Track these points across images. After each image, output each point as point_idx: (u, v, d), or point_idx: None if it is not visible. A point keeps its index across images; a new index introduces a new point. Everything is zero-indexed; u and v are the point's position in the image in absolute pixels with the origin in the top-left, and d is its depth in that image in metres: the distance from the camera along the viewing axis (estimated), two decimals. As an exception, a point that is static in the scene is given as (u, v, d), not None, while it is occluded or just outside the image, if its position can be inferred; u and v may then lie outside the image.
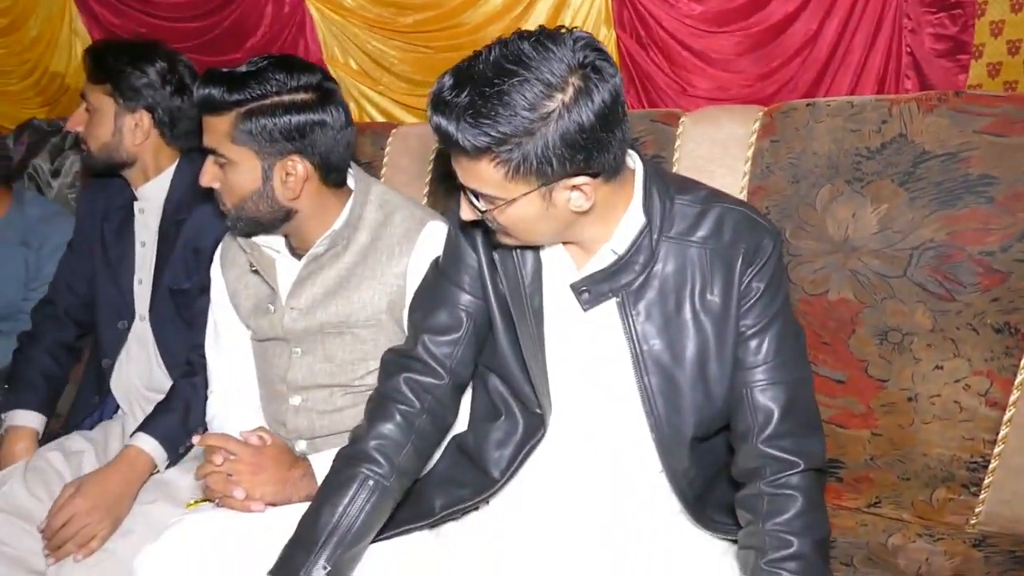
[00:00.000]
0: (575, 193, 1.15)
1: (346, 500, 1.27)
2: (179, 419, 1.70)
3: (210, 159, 1.46)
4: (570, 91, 1.07)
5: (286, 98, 1.41)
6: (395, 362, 1.39)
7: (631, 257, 1.23)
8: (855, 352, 1.38)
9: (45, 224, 2.18)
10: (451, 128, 1.09)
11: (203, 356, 1.75)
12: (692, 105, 2.03)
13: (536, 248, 1.31)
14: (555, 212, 1.17)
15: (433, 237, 1.53)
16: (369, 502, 1.27)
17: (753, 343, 1.22)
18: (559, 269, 1.31)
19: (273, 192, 1.45)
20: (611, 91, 1.09)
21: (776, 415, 1.21)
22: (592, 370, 1.29)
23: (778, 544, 1.17)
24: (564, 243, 1.29)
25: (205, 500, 1.50)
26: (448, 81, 1.11)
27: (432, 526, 1.40)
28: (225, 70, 1.42)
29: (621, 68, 2.19)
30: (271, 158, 1.43)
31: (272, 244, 1.58)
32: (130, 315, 1.88)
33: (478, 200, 1.18)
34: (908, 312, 1.33)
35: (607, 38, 2.19)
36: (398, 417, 1.34)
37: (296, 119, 1.41)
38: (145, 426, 1.67)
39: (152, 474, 1.67)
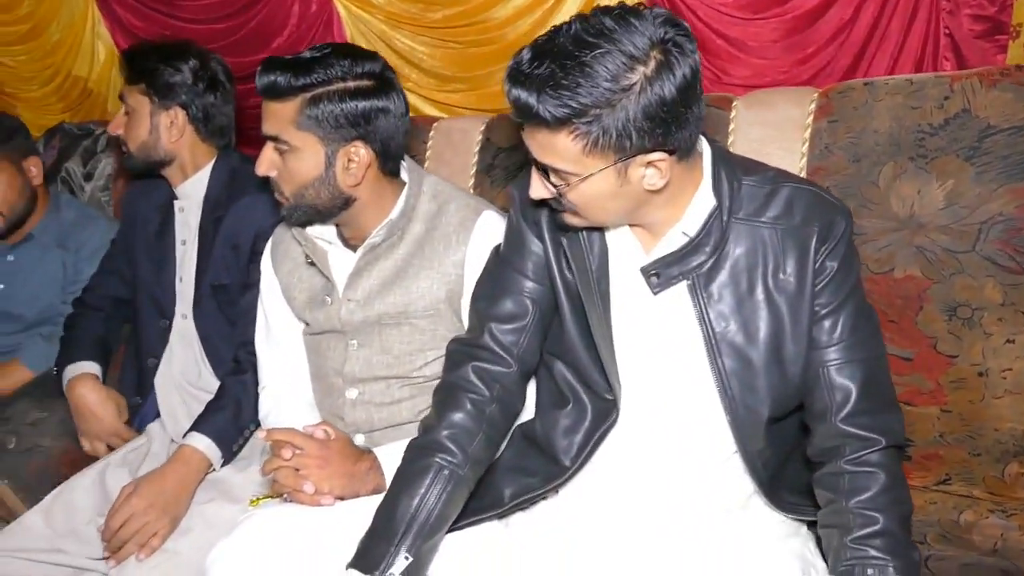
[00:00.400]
0: (650, 170, 1.15)
1: (423, 490, 1.26)
2: (231, 417, 1.69)
3: (269, 147, 1.45)
4: (652, 64, 1.07)
5: (351, 84, 1.41)
6: (462, 351, 1.38)
7: (702, 239, 1.22)
8: (923, 329, 1.37)
9: (81, 228, 2.17)
10: (531, 99, 1.08)
11: (251, 353, 1.74)
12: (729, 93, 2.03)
13: (602, 232, 1.30)
14: (628, 190, 1.16)
15: (489, 226, 1.52)
16: (445, 491, 1.26)
17: (828, 322, 1.22)
18: (626, 253, 1.30)
19: (335, 179, 1.45)
20: (691, 66, 1.09)
21: (855, 393, 1.20)
22: (663, 354, 1.28)
23: (863, 521, 1.16)
24: (631, 226, 1.29)
25: (268, 497, 1.50)
26: (527, 55, 1.11)
27: (501, 516, 1.39)
28: (288, 56, 1.43)
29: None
30: (335, 144, 1.43)
31: (325, 235, 1.57)
32: (171, 313, 1.87)
33: (552, 177, 1.17)
34: (977, 287, 1.32)
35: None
36: (469, 406, 1.33)
37: (361, 105, 1.41)
38: (198, 425, 1.67)
39: (207, 473, 1.66)
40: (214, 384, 1.82)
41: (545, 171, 1.17)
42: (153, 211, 1.94)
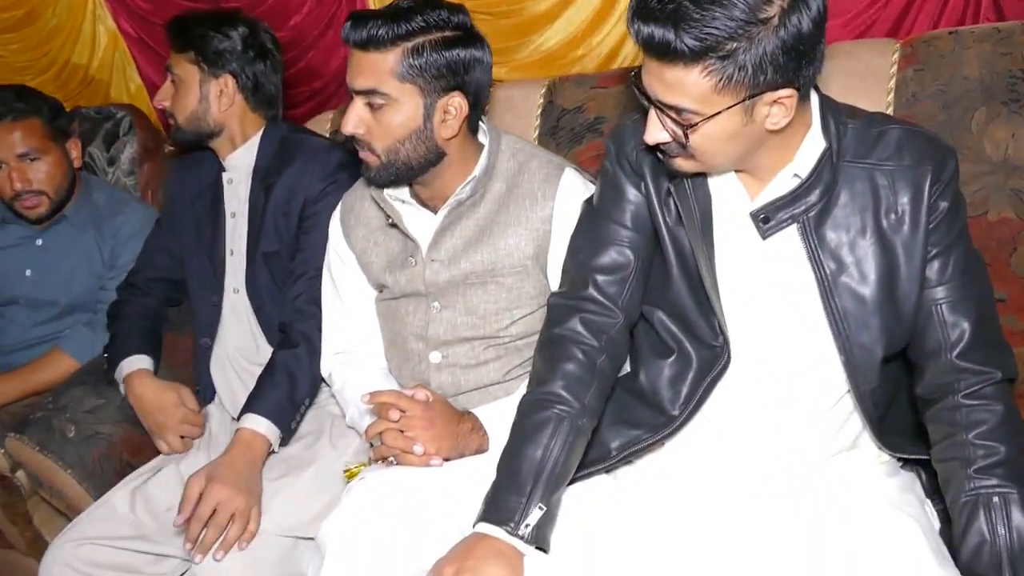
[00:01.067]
0: (775, 108, 1.14)
1: (546, 440, 1.25)
2: (286, 394, 1.64)
3: (358, 103, 1.42)
4: None
5: (449, 33, 1.40)
6: (566, 305, 1.37)
7: (812, 182, 1.23)
8: (1016, 270, 1.40)
9: (115, 211, 2.11)
10: (667, 33, 1.06)
11: (302, 316, 1.71)
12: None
13: (705, 177, 1.30)
14: (751, 130, 1.16)
15: (573, 182, 1.52)
16: (567, 442, 1.26)
17: (939, 261, 1.23)
18: (731, 198, 1.30)
19: (432, 132, 1.43)
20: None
21: (968, 330, 1.22)
22: (773, 298, 1.28)
23: (985, 452, 1.18)
24: (736, 171, 1.29)
25: (363, 465, 1.48)
26: None
27: (608, 470, 1.39)
28: (379, 8, 1.40)
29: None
30: (434, 95, 1.41)
31: (400, 196, 1.55)
32: (220, 290, 1.83)
33: (673, 118, 1.16)
34: (1073, 226, 1.36)
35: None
36: (580, 356, 1.32)
37: (461, 54, 1.40)
38: (253, 406, 1.61)
39: (269, 454, 1.62)
40: (267, 351, 1.77)
41: (672, 110, 1.16)
42: (200, 187, 1.89)
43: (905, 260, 1.23)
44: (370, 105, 1.42)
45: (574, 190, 1.51)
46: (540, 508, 1.20)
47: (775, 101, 1.14)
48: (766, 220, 1.26)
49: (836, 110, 1.27)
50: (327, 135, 2.08)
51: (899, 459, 1.36)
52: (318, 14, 2.52)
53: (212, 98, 1.77)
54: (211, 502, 1.44)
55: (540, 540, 1.20)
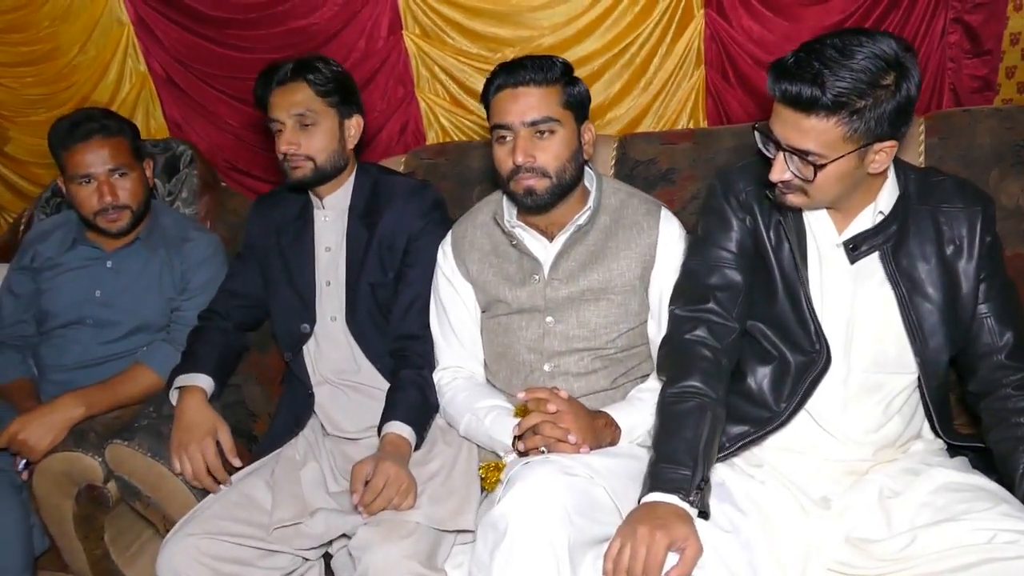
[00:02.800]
0: (879, 155, 1.45)
1: (697, 424, 1.47)
2: (418, 404, 1.81)
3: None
4: (900, 69, 1.38)
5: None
6: (691, 316, 1.61)
7: (891, 218, 1.54)
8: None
9: (183, 237, 2.18)
10: (815, 91, 1.36)
11: (415, 342, 1.88)
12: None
13: (800, 213, 1.58)
14: (858, 172, 1.46)
15: (669, 215, 1.81)
16: (713, 428, 1.49)
17: (987, 283, 1.56)
18: (822, 230, 1.58)
19: (580, 155, 1.77)
20: (919, 74, 1.42)
21: (1012, 336, 1.55)
22: (861, 311, 1.56)
23: None
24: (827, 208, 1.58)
25: (493, 463, 1.62)
26: (793, 57, 1.40)
27: (722, 459, 1.60)
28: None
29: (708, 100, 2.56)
30: (579, 123, 1.76)
31: (519, 224, 1.79)
32: (312, 318, 1.95)
33: (803, 159, 1.43)
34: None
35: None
36: (710, 356, 1.56)
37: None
38: (393, 415, 1.77)
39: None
40: (373, 374, 1.92)
41: (800, 154, 1.43)
42: (285, 222, 2.03)
43: (964, 281, 1.55)
44: (540, 132, 1.67)
45: (671, 222, 1.79)
46: (704, 479, 1.40)
47: (881, 150, 1.44)
48: (855, 248, 1.55)
49: (902, 163, 1.59)
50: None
51: (948, 445, 1.63)
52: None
53: (348, 137, 1.94)
54: (383, 476, 1.59)
55: (704, 506, 1.40)
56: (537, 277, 1.75)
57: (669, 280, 1.74)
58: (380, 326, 1.94)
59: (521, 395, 1.58)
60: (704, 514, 1.40)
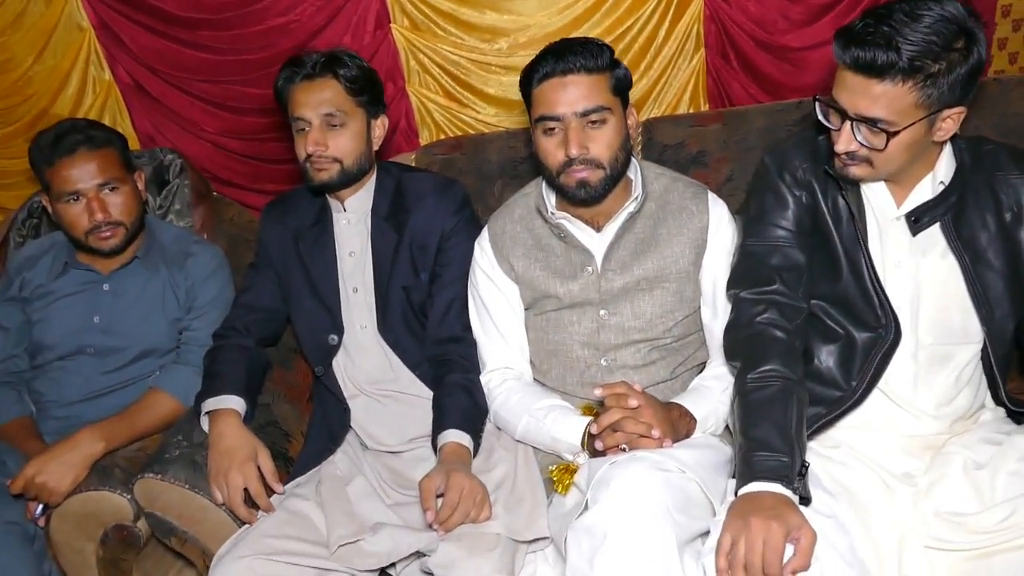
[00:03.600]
0: (947, 123, 1.42)
1: (786, 409, 1.42)
2: (469, 408, 1.73)
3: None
4: (971, 33, 1.36)
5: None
6: (760, 299, 1.56)
7: (951, 188, 1.52)
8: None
9: (184, 252, 2.03)
10: (889, 53, 1.32)
11: (456, 345, 1.79)
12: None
13: (858, 187, 1.56)
14: (925, 140, 1.44)
15: (716, 198, 1.76)
16: (799, 410, 1.44)
17: None
18: (879, 202, 1.56)
19: (630, 145, 1.71)
20: (985, 39, 1.40)
21: None
22: (926, 283, 1.54)
23: None
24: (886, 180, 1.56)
25: (563, 466, 1.55)
26: (861, 23, 1.36)
27: None
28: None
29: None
30: (625, 110, 1.69)
31: (565, 217, 1.71)
32: (339, 328, 1.84)
33: (872, 127, 1.40)
34: None
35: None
36: (785, 338, 1.52)
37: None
38: (446, 423, 1.68)
39: None
40: (413, 382, 1.83)
41: (870, 122, 1.40)
42: (301, 228, 1.91)
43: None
44: (592, 122, 1.60)
45: (718, 205, 1.74)
46: (805, 464, 1.36)
47: (948, 117, 1.41)
48: (917, 220, 1.52)
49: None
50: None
51: (1009, 412, 1.63)
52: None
53: (374, 138, 1.84)
54: (456, 489, 1.49)
55: (807, 492, 1.35)
56: (590, 269, 1.68)
57: (722, 264, 1.69)
58: (415, 331, 1.85)
59: (598, 391, 1.51)
60: (806, 500, 1.36)
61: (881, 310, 1.53)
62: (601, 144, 1.61)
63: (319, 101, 1.75)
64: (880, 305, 1.53)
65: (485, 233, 1.80)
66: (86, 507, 1.66)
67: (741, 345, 1.55)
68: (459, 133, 2.60)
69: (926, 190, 1.52)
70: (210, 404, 1.71)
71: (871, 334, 1.55)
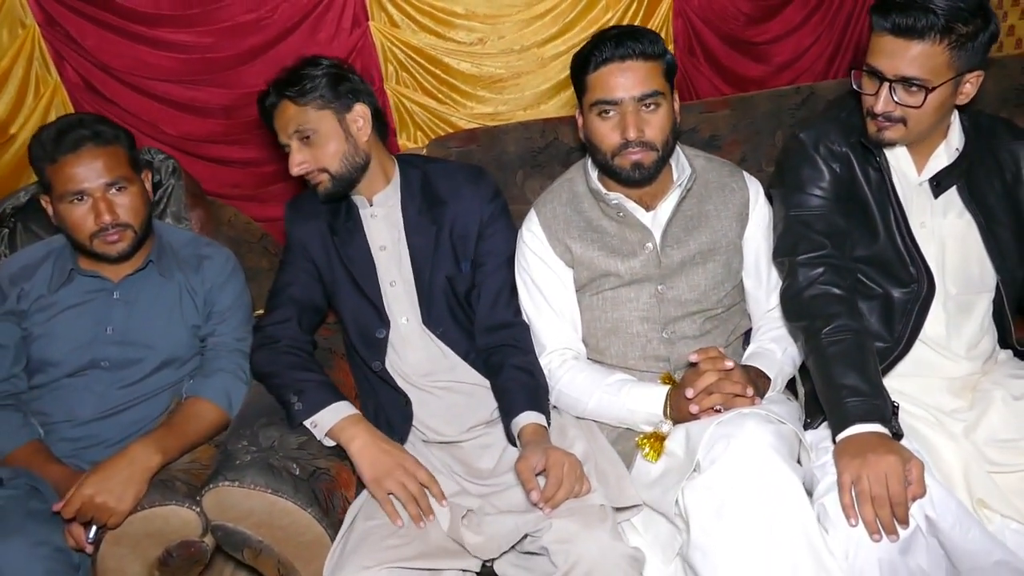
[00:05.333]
0: (967, 86, 1.60)
1: (865, 358, 1.56)
2: (535, 387, 1.75)
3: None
4: (985, 4, 1.53)
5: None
6: (814, 262, 1.68)
7: (963, 154, 1.71)
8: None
9: (197, 255, 1.92)
10: (928, 15, 1.48)
11: (516, 329, 1.82)
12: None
13: (883, 153, 1.71)
14: (950, 103, 1.61)
15: (750, 175, 1.88)
16: (875, 358, 1.58)
17: None
18: (903, 169, 1.72)
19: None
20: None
21: None
22: (948, 238, 1.72)
23: None
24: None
25: (648, 437, 1.61)
26: None
27: None
28: None
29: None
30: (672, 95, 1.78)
31: (617, 199, 1.78)
32: (385, 321, 1.82)
33: (909, 87, 1.55)
34: None
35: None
36: (846, 295, 1.66)
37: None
38: (518, 407, 1.70)
39: None
40: (467, 371, 1.83)
41: (906, 83, 1.54)
42: (337, 222, 1.87)
43: None
44: (647, 106, 1.66)
45: (753, 181, 1.87)
46: (895, 404, 1.48)
47: (969, 80, 1.59)
48: (939, 184, 1.70)
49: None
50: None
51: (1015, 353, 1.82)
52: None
53: (355, 131, 1.79)
54: (558, 466, 1.51)
55: (900, 429, 1.48)
56: (650, 246, 1.75)
57: (762, 235, 1.82)
58: (461, 321, 1.84)
59: (693, 357, 1.58)
60: (898, 436, 1.48)
61: (914, 266, 1.68)
62: (655, 127, 1.68)
63: (285, 123, 1.76)
64: (912, 261, 1.68)
65: (534, 218, 1.83)
66: (150, 525, 1.54)
67: (806, 306, 1.66)
68: (439, 131, 2.60)
69: (942, 157, 1.70)
70: (329, 413, 1.66)
71: (906, 289, 1.70)
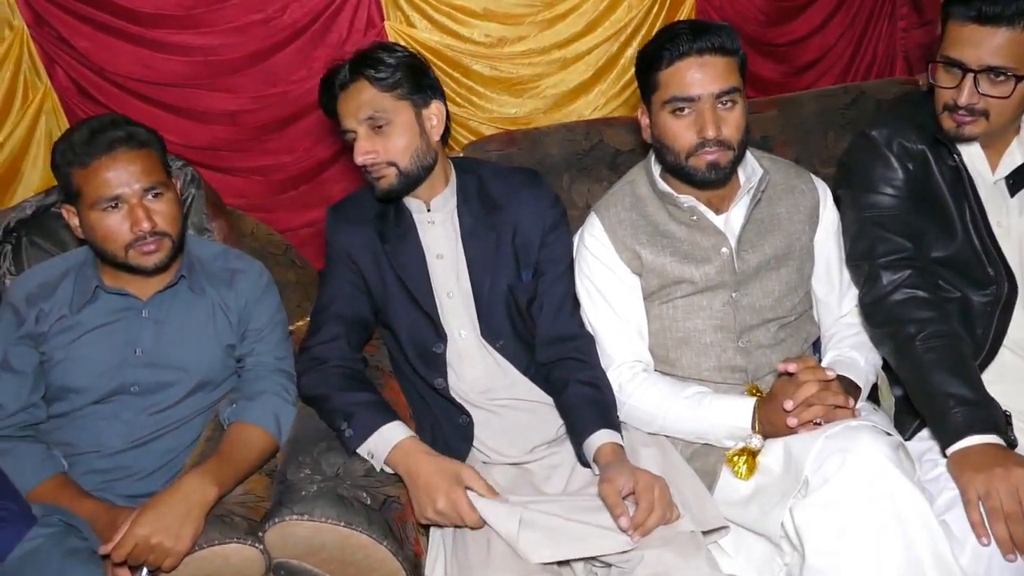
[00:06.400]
0: None
1: (965, 365, 1.51)
2: (606, 402, 1.66)
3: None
4: None
5: None
6: (897, 265, 1.63)
7: None
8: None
9: (228, 268, 1.76)
10: (1012, 3, 1.45)
11: (580, 342, 1.72)
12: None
13: (958, 151, 1.67)
14: None
15: (817, 177, 1.81)
16: (973, 364, 1.52)
17: None
18: (978, 168, 1.68)
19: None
20: None
21: None
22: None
23: None
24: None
25: (738, 453, 1.53)
26: None
27: None
28: None
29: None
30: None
31: (689, 202, 1.69)
32: (443, 335, 1.72)
33: (996, 77, 1.50)
34: None
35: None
36: (933, 298, 1.61)
37: None
38: (593, 426, 1.59)
39: None
40: (530, 388, 1.72)
41: (993, 73, 1.50)
42: (387, 229, 1.75)
43: None
44: (723, 103, 1.59)
45: (820, 182, 1.81)
46: (1007, 413, 1.43)
47: None
48: (1015, 183, 1.66)
49: None
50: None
51: None
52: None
53: (428, 128, 1.69)
54: (650, 490, 1.42)
55: (1015, 438, 1.42)
56: (725, 250, 1.67)
57: (832, 238, 1.76)
58: (520, 333, 1.73)
59: (791, 366, 1.50)
60: (1012, 445, 1.42)
61: (992, 267, 1.63)
62: (732, 126, 1.60)
63: (357, 107, 1.63)
64: (991, 262, 1.63)
65: (596, 223, 1.74)
66: (208, 566, 1.39)
67: (892, 311, 1.60)
68: (457, 136, 2.51)
69: (1016, 155, 1.66)
70: (382, 436, 1.53)
71: (985, 291, 1.64)
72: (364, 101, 1.62)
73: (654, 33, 1.71)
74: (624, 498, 1.43)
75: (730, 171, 1.63)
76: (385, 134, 1.63)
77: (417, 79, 1.67)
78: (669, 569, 1.34)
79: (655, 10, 2.48)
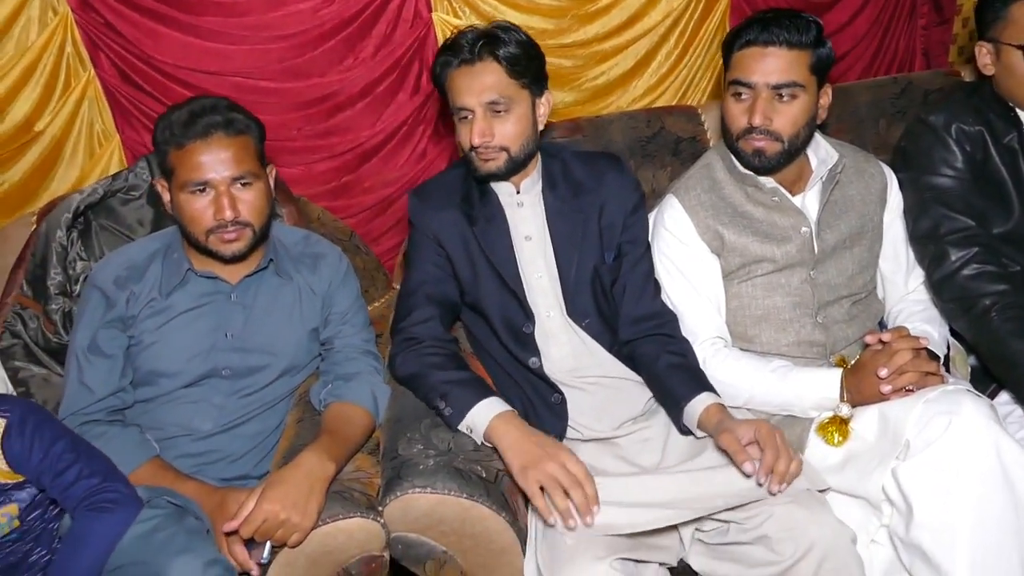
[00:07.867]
0: None
1: None
2: (700, 371, 1.70)
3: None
4: None
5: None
6: (965, 241, 1.71)
7: None
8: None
9: (314, 255, 1.78)
10: None
11: (666, 321, 1.76)
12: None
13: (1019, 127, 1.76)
14: None
15: (880, 161, 1.88)
16: None
17: None
18: None
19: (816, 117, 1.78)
20: None
21: None
22: None
23: None
24: None
25: (838, 417, 1.58)
26: None
27: None
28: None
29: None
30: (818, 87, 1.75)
31: (769, 183, 1.75)
32: (531, 316, 1.74)
33: None
34: None
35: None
36: (1002, 271, 1.69)
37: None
38: (694, 388, 1.63)
39: None
40: (616, 366, 1.75)
41: None
42: (474, 210, 1.76)
43: None
44: (781, 96, 1.65)
45: (885, 166, 1.88)
46: None
47: None
48: None
49: None
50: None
51: None
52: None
53: (540, 117, 1.73)
54: (773, 436, 1.46)
55: None
56: (805, 230, 1.73)
57: (898, 218, 1.84)
58: (604, 313, 1.77)
59: (886, 336, 1.56)
60: None
61: None
62: (786, 119, 1.66)
63: (481, 88, 1.64)
64: None
65: (676, 205, 1.79)
66: (332, 541, 1.40)
67: (964, 286, 1.68)
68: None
69: None
70: (482, 410, 1.53)
71: None
72: (490, 84, 1.63)
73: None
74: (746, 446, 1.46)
75: (777, 162, 1.70)
76: (503, 119, 1.65)
77: (539, 69, 1.71)
78: (800, 522, 1.39)
79: (691, 6, 2.54)
